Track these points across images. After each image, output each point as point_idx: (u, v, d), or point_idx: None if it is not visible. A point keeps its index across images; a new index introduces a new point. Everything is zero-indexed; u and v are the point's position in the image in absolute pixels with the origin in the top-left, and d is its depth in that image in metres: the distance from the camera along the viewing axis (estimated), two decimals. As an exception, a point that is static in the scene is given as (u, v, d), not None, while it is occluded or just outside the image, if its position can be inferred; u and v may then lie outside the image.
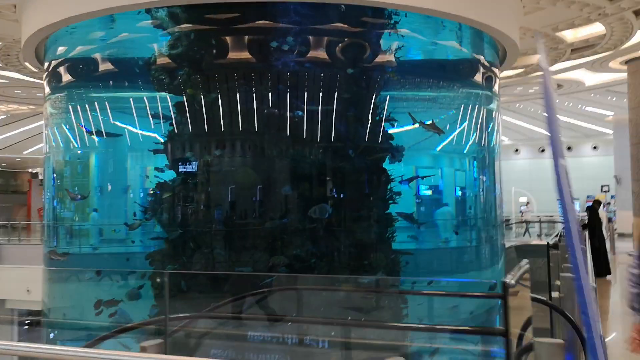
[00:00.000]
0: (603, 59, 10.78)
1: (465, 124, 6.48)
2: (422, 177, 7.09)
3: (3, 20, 7.79)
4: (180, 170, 7.18)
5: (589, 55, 10.23)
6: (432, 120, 6.17)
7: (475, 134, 6.57)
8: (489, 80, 7.07)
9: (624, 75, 12.89)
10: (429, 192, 6.53)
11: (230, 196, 7.04)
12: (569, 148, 27.51)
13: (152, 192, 7.60)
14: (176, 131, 7.37)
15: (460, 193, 6.52)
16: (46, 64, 7.82)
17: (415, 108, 6.93)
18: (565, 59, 10.63)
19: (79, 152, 7.25)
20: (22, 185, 39.47)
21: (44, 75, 7.95)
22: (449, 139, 6.44)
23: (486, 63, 6.96)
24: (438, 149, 6.52)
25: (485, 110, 6.81)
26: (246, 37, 7.14)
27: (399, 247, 6.54)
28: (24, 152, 27.87)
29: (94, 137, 7.30)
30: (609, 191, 25.00)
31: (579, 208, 25.64)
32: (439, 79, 6.74)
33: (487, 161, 6.79)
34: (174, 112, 7.34)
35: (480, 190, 6.67)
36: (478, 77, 6.85)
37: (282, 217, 7.01)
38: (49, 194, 7.70)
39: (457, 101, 6.79)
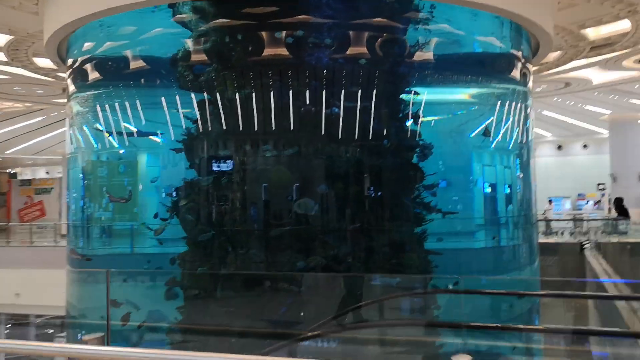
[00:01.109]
0: (618, 57, 11.00)
1: (510, 121, 6.57)
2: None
3: (20, 13, 7.65)
4: (213, 169, 7.15)
5: (607, 53, 10.44)
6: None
7: (516, 131, 6.67)
8: (525, 76, 7.18)
9: (633, 73, 13.16)
10: (489, 190, 6.61)
11: (265, 196, 7.02)
12: (559, 147, 28.00)
13: (176, 191, 7.57)
14: (201, 130, 7.33)
15: (508, 191, 6.61)
16: (70, 61, 7.71)
17: (454, 105, 7.00)
18: (582, 57, 10.82)
19: (114, 151, 7.17)
20: (0, 186, 38.80)
21: (68, 73, 7.82)
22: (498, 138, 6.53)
23: (523, 59, 7.06)
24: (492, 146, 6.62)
25: (523, 106, 6.91)
26: (280, 32, 7.13)
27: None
28: (6, 152, 27.34)
29: (126, 136, 7.22)
30: (605, 189, 25.47)
31: (569, 206, 26.02)
32: (478, 74, 6.82)
33: (526, 158, 6.89)
34: (205, 110, 7.28)
35: (522, 187, 6.76)
36: (516, 73, 6.95)
37: (318, 217, 7.03)
38: (75, 194, 7.59)
39: (499, 97, 6.87)
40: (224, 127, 7.27)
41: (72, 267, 7.22)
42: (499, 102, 6.69)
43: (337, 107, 7.00)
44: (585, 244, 9.36)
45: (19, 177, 37.40)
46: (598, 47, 9.95)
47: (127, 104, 7.29)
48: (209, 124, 7.35)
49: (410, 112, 6.74)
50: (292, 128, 7.03)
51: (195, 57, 7.51)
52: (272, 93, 7.02)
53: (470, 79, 6.82)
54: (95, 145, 7.19)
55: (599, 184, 26.11)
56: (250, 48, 7.27)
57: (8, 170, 38.05)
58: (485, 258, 6.64)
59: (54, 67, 10.92)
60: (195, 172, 7.48)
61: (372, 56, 6.98)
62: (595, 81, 14.17)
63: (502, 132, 6.68)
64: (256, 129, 7.14)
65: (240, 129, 7.20)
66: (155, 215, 7.51)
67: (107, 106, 7.32)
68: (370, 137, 7.08)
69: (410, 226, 7.46)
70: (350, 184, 7.06)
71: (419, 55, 6.91)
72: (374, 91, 7.12)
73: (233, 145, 7.30)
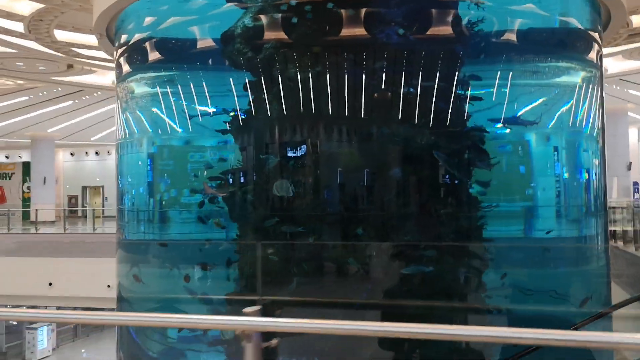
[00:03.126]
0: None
1: (587, 104, 6.80)
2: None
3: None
4: (287, 154, 7.16)
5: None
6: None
7: (592, 114, 6.91)
8: (600, 57, 7.39)
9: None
10: (567, 176, 6.82)
11: (336, 181, 7.08)
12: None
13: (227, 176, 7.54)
14: (259, 113, 7.32)
15: (586, 177, 6.84)
16: (123, 38, 7.50)
17: (532, 87, 7.16)
18: (614, 45, 11.23)
19: (183, 136, 7.08)
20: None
21: (120, 52, 7.61)
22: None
23: (596, 37, 7.26)
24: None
25: (598, 88, 7.15)
26: (351, 9, 7.15)
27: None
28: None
29: (190, 120, 7.13)
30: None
31: None
32: (557, 55, 7.01)
33: (600, 142, 7.15)
34: (264, 90, 7.25)
35: (599, 173, 7.01)
36: (593, 54, 7.17)
37: (390, 202, 7.13)
38: (130, 179, 7.46)
39: (578, 80, 7.09)
40: (285, 109, 7.28)
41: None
42: (578, 85, 6.92)
43: (412, 88, 7.09)
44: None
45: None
46: (636, 34, 10.34)
47: (192, 85, 7.20)
48: (271, 105, 7.34)
49: (496, 93, 6.86)
50: (364, 110, 7.08)
51: (253, 34, 7.46)
52: (341, 73, 7.04)
53: (550, 60, 7.02)
54: (168, 130, 7.08)
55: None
56: (319, 25, 7.27)
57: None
58: (557, 249, 6.88)
59: (71, 41, 10.62)
60: (250, 155, 7.46)
61: (450, 36, 7.08)
62: (610, 71, 14.70)
63: (579, 116, 6.90)
64: (322, 111, 7.17)
65: (302, 110, 7.23)
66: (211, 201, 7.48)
67: (169, 88, 7.21)
68: (445, 121, 7.20)
69: (476, 213, 7.65)
70: (423, 168, 7.18)
71: (497, 36, 7.03)
72: (449, 73, 7.22)
73: (297, 128, 7.32)
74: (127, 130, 7.47)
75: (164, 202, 7.25)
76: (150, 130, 7.33)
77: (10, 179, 33.30)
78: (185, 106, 7.21)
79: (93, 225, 19.90)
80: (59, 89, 15.74)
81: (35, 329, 22.53)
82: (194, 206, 7.50)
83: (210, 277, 7.76)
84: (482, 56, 7.19)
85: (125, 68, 7.60)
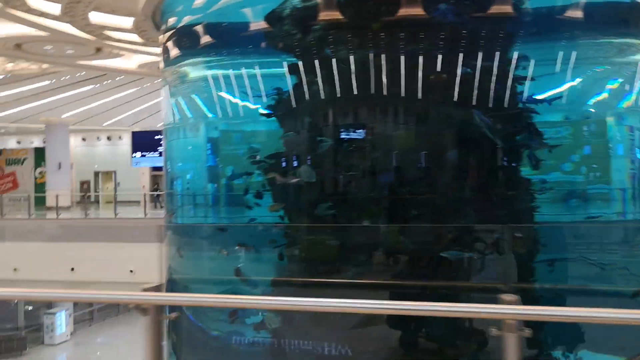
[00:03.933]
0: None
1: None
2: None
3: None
4: (340, 137, 7.14)
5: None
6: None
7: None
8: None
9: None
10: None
11: (391, 164, 7.06)
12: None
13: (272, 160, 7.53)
14: (311, 96, 7.28)
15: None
16: (171, 20, 7.44)
17: (588, 65, 7.09)
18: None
19: (234, 120, 7.06)
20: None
21: (167, 36, 7.56)
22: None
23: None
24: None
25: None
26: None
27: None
28: (-18, 118, 26.24)
29: (241, 104, 7.11)
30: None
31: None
32: (615, 30, 6.93)
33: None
34: (317, 72, 7.21)
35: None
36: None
37: (447, 186, 7.11)
38: (180, 163, 7.47)
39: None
40: (337, 91, 7.24)
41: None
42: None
43: (470, 70, 7.03)
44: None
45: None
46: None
47: (243, 68, 7.16)
48: (323, 87, 7.31)
49: (554, 73, 6.80)
50: (419, 91, 7.03)
51: (303, 15, 7.40)
52: (396, 53, 6.98)
53: (614, 37, 6.95)
54: (218, 114, 7.07)
55: None
56: (374, 5, 7.20)
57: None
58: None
59: (104, 24, 10.57)
60: (303, 139, 7.45)
61: (507, 15, 7.00)
62: None
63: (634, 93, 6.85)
64: (375, 92, 7.13)
65: (355, 92, 7.19)
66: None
67: (220, 71, 7.18)
68: (502, 102, 7.15)
69: (530, 197, 7.63)
70: (480, 150, 7.15)
71: (558, 13, 6.95)
72: (506, 52, 7.14)
73: (350, 111, 7.30)
74: (177, 115, 7.45)
75: (216, 186, 7.26)
76: (202, 115, 7.32)
77: (22, 164, 33.33)
78: (236, 90, 7.18)
79: (115, 210, 19.99)
80: (83, 73, 15.71)
81: (54, 313, 22.71)
82: (248, 190, 7.51)
83: (260, 260, 7.81)
84: (541, 34, 7.11)
85: (174, 52, 7.55)
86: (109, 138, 34.10)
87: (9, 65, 14.66)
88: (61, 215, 21.41)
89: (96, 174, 34.34)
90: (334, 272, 7.01)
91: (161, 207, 23.51)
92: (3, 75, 15.75)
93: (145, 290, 1.81)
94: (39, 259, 17.21)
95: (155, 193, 25.45)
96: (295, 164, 7.40)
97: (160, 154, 27.13)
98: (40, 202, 26.66)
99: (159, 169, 30.21)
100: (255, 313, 7.60)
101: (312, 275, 7.15)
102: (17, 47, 12.31)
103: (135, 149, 27.63)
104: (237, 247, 7.57)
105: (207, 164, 7.16)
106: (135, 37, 11.37)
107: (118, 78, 17.04)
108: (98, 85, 18.23)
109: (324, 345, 6.99)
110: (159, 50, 12.53)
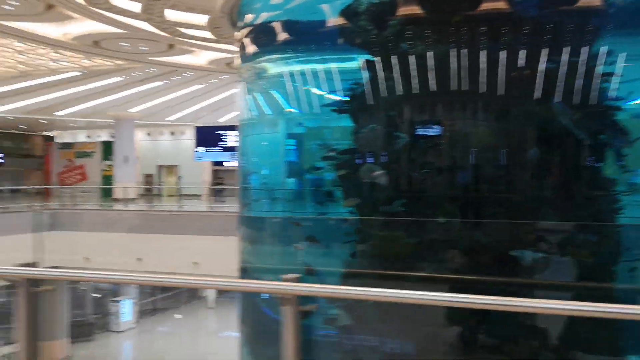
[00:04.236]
0: None
1: None
2: None
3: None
4: (417, 133, 7.08)
5: None
6: None
7: None
8: None
9: None
10: None
11: (469, 161, 6.94)
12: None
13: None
14: (388, 91, 7.23)
15: None
16: (249, 17, 7.56)
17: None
18: None
19: (311, 116, 7.11)
20: (34, 149, 39.19)
21: (244, 32, 7.68)
22: None
23: None
24: None
25: None
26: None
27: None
28: (55, 113, 27.48)
29: (318, 100, 7.14)
30: None
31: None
32: None
33: None
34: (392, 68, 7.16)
35: None
36: None
37: (527, 184, 6.94)
38: (255, 159, 7.59)
39: None
40: (415, 87, 7.16)
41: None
42: None
43: (552, 64, 6.82)
44: None
45: (58, 140, 37.75)
46: None
47: (319, 65, 7.20)
48: (400, 83, 7.25)
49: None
50: (500, 87, 6.89)
51: (379, 10, 7.37)
52: (476, 48, 6.85)
53: None
54: (295, 111, 7.14)
55: None
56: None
57: (44, 133, 38.40)
58: None
59: (179, 21, 10.86)
60: (379, 135, 7.41)
61: (592, 8, 6.77)
62: None
63: None
64: (454, 88, 7.02)
65: (433, 88, 7.10)
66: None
67: (297, 68, 7.24)
68: (586, 98, 6.92)
69: (613, 198, 7.36)
70: (563, 148, 6.94)
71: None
72: (591, 47, 6.91)
73: (428, 107, 7.22)
74: (253, 111, 7.57)
75: (292, 181, 7.35)
76: (278, 111, 7.41)
77: (91, 157, 34.76)
78: (311, 86, 7.23)
79: (179, 203, 20.54)
80: (154, 69, 16.22)
81: (119, 301, 23.56)
82: (320, 186, 7.57)
83: (331, 255, 7.85)
84: (627, 28, 6.84)
85: (251, 48, 7.67)
86: (172, 133, 35.07)
87: (86, 62, 15.30)
88: (128, 207, 22.19)
89: (159, 167, 35.40)
90: (408, 269, 6.98)
91: (222, 201, 24.00)
92: (80, 72, 16.45)
93: (286, 280, 1.85)
94: (108, 248, 17.88)
95: (219, 187, 25.99)
96: (370, 160, 7.40)
97: (223, 149, 27.71)
98: (107, 194, 27.72)
99: (219, 163, 30.86)
100: (327, 309, 7.64)
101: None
102: (95, 44, 12.83)
103: (198, 143, 28.31)
104: (305, 241, 7.64)
105: (282, 158, 7.25)
106: (207, 34, 11.65)
107: (185, 74, 17.51)
108: (166, 81, 18.78)
109: (388, 341, 6.99)
110: (229, 47, 12.81)
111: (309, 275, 7.55)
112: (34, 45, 12.80)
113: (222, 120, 29.32)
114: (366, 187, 7.49)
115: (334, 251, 7.79)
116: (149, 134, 35.59)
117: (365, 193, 7.55)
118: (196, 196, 27.65)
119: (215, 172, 32.72)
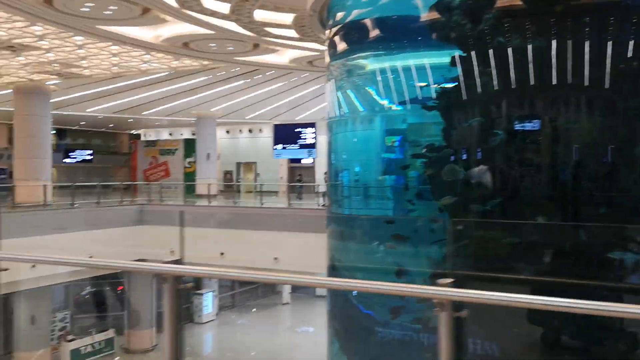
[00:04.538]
0: None
1: None
2: None
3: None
4: (515, 129, 6.86)
5: None
6: None
7: None
8: None
9: None
10: None
11: (571, 158, 6.65)
12: None
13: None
14: (483, 86, 7.03)
15: None
16: (339, 16, 7.58)
17: None
18: None
19: (405, 113, 7.05)
20: (121, 147, 41.22)
21: (334, 30, 7.71)
22: None
23: None
24: None
25: None
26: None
27: None
28: (143, 113, 28.78)
29: (409, 97, 7.05)
30: None
31: None
32: None
33: None
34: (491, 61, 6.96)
35: None
36: None
37: (635, 183, 6.57)
38: (344, 156, 7.61)
39: None
40: (512, 81, 6.92)
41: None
42: None
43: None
44: None
45: (143, 138, 39.51)
46: None
47: (412, 61, 7.11)
48: (496, 77, 7.03)
49: None
50: (606, 81, 6.54)
51: (472, 4, 7.18)
52: (580, 41, 6.54)
53: None
54: (388, 108, 7.10)
55: None
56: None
57: (130, 132, 40.31)
58: None
59: (266, 20, 11.04)
60: (474, 132, 7.23)
61: None
62: None
63: None
64: (555, 82, 6.73)
65: (533, 82, 6.84)
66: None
67: (388, 64, 7.18)
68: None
69: None
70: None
71: None
72: None
73: (527, 102, 6.97)
74: (343, 108, 7.58)
75: (382, 179, 7.32)
76: (368, 108, 7.39)
77: (173, 155, 36.11)
78: (404, 83, 7.16)
79: (260, 199, 20.96)
80: (238, 68, 16.64)
81: (201, 294, 24.34)
82: (407, 184, 7.49)
83: (420, 254, 7.76)
84: None
85: (342, 46, 7.70)
86: (250, 130, 35.85)
87: (174, 63, 15.89)
88: (211, 203, 22.88)
89: (238, 164, 36.27)
90: (506, 270, 6.79)
91: (300, 198, 24.24)
92: (167, 72, 17.11)
93: (442, 284, 1.83)
94: (194, 242, 18.44)
95: (298, 184, 26.30)
96: (463, 157, 7.25)
97: (300, 146, 28.02)
98: (189, 190, 28.69)
99: (296, 160, 31.25)
100: (414, 309, 7.57)
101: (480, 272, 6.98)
102: (184, 45, 13.29)
103: (276, 141, 28.75)
104: (396, 240, 7.58)
105: (377, 155, 7.23)
106: (292, 33, 11.79)
107: (267, 73, 17.83)
108: (248, 80, 19.20)
109: (472, 342, 6.85)
110: (312, 45, 12.93)
111: (399, 275, 7.51)
112: (129, 47, 13.43)
113: (300, 117, 29.65)
114: (459, 185, 7.34)
115: (425, 251, 7.70)
116: (228, 132, 36.54)
117: (458, 191, 7.40)
118: (274, 193, 28.12)
119: (291, 169, 33.17)
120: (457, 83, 7.22)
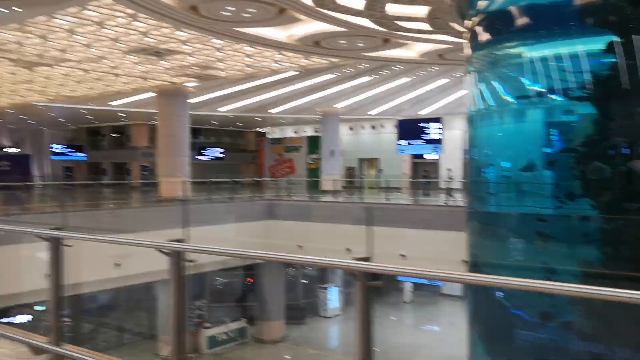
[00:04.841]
0: None
1: None
2: None
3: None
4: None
5: None
6: None
7: None
8: None
9: None
10: None
11: None
12: None
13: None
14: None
15: None
16: (481, 4, 7.31)
17: None
18: None
19: (562, 105, 6.64)
20: (249, 144, 43.08)
21: (477, 20, 7.43)
22: None
23: None
24: None
25: None
26: None
27: None
28: (269, 111, 29.83)
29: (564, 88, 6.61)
30: None
31: None
32: None
33: None
34: None
35: None
36: None
37: None
38: (488, 152, 7.32)
39: None
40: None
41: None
42: None
43: None
44: None
45: (269, 136, 41.03)
46: None
47: (564, 50, 6.66)
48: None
49: None
50: None
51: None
52: None
53: None
54: (543, 100, 6.72)
55: None
56: None
57: (257, 129, 42.02)
58: None
59: (398, 14, 10.93)
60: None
61: None
62: None
63: None
64: None
65: None
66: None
67: (538, 54, 6.78)
68: None
69: None
70: None
71: None
72: None
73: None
74: (488, 101, 7.29)
75: (529, 175, 6.95)
76: (509, 101, 7.04)
77: (298, 152, 37.14)
78: (556, 72, 6.74)
79: (384, 195, 20.90)
80: (365, 64, 16.70)
81: (326, 288, 24.74)
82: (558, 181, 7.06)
83: (568, 254, 7.29)
84: None
85: (485, 36, 7.41)
86: (372, 127, 35.88)
87: (304, 61, 16.27)
88: (337, 199, 23.20)
89: (360, 160, 36.48)
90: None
91: (425, 194, 23.86)
92: (297, 71, 17.58)
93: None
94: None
95: (424, 180, 25.96)
96: (625, 152, 6.71)
97: (425, 141, 27.57)
98: (311, 186, 29.32)
99: (419, 156, 30.81)
100: (565, 314, 7.16)
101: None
102: (315, 44, 13.57)
103: (400, 136, 28.54)
104: (547, 239, 7.18)
105: (527, 150, 6.88)
106: (424, 26, 11.59)
107: (394, 68, 17.71)
108: (375, 76, 19.21)
109: (616, 350, 6.38)
110: (444, 37, 12.63)
111: (549, 275, 7.11)
112: (262, 48, 13.96)
113: (424, 112, 29.17)
114: (616, 181, 6.83)
115: (575, 250, 7.23)
116: (350, 128, 36.87)
117: (615, 188, 6.89)
118: (396, 189, 27.91)
119: (414, 164, 32.73)
120: (613, 71, 6.70)
